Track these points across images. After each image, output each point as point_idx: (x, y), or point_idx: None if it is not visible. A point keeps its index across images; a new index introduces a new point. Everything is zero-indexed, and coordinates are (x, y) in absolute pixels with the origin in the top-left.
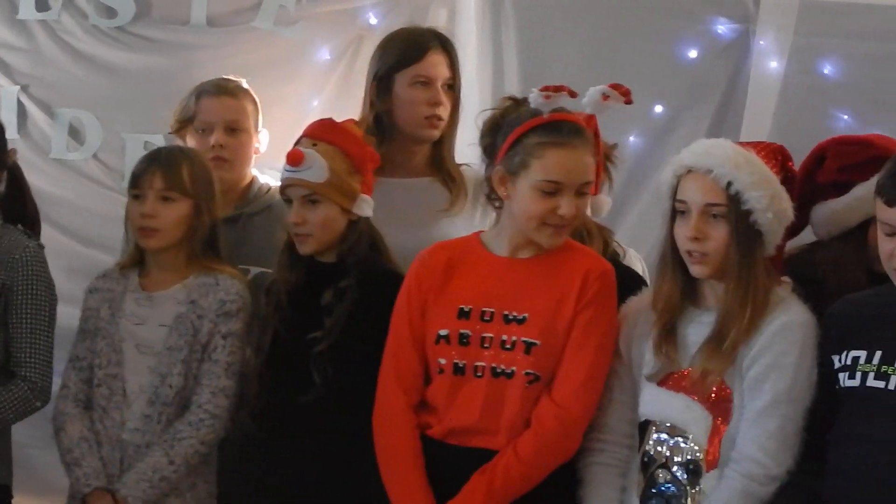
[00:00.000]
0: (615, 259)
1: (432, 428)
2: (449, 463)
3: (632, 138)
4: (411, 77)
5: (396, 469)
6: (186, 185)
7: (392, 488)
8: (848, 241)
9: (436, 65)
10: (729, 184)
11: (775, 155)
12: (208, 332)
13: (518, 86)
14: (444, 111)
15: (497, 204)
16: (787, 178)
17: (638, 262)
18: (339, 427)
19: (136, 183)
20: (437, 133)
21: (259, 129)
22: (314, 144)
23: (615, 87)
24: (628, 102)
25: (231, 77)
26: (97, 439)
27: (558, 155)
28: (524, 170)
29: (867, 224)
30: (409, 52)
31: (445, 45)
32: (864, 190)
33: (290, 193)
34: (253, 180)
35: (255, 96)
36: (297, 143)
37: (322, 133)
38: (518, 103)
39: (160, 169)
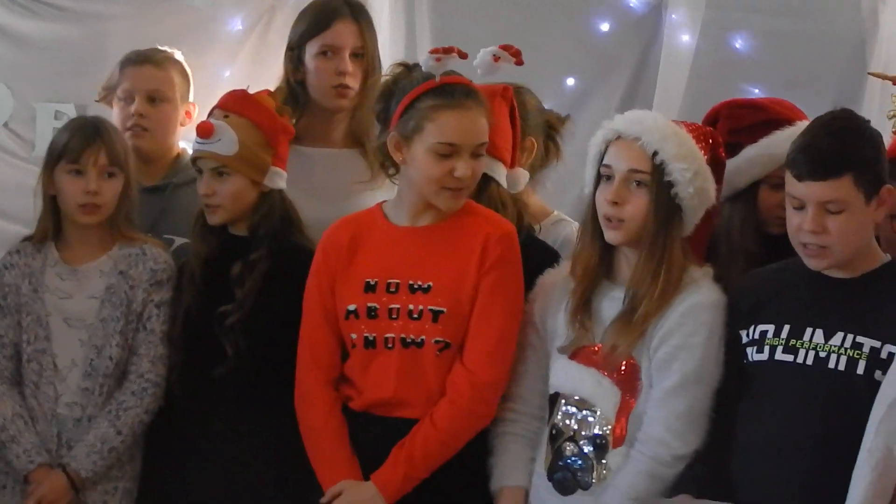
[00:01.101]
0: (531, 233)
1: (354, 401)
2: (374, 434)
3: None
4: (319, 46)
5: (320, 445)
6: (123, 160)
7: (318, 465)
8: (737, 203)
9: (343, 33)
10: (655, 153)
11: (706, 138)
12: (142, 301)
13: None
14: (352, 80)
15: (392, 171)
16: (716, 162)
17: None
18: (252, 399)
19: (76, 158)
20: (345, 102)
21: (188, 101)
22: (226, 116)
23: (506, 48)
24: (518, 63)
25: (163, 48)
26: (31, 415)
27: (452, 117)
28: (418, 133)
29: (757, 186)
30: (317, 21)
31: (356, 14)
32: (753, 152)
33: (201, 165)
34: (182, 152)
35: (185, 67)
36: (210, 114)
37: (234, 105)
38: (410, 69)
39: (104, 145)
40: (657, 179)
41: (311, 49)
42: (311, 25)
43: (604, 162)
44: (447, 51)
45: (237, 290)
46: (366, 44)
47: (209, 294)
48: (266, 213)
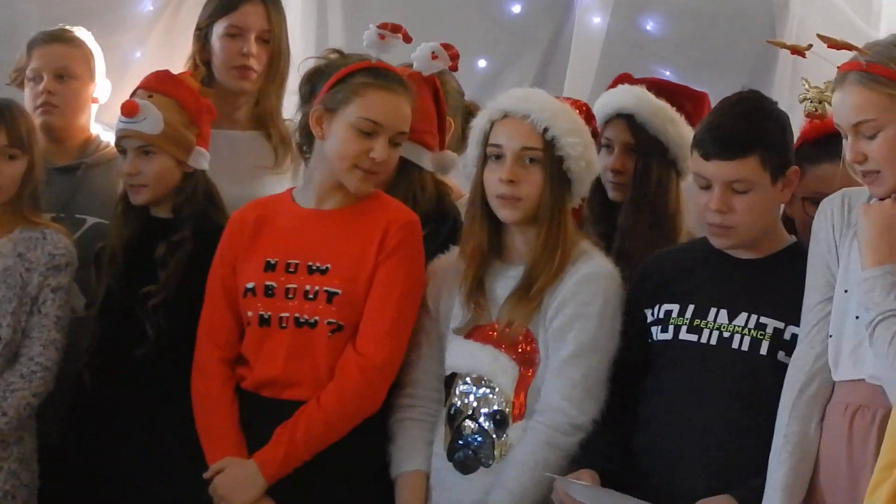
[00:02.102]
0: (457, 217)
1: (245, 380)
2: (263, 415)
3: None
4: (225, 27)
5: (208, 419)
6: (25, 142)
7: (205, 439)
8: None
9: (249, 15)
10: (546, 129)
11: (581, 111)
12: (38, 284)
13: (342, 39)
14: (255, 63)
15: (308, 155)
16: (594, 135)
17: None
18: (172, 380)
19: None
20: (247, 84)
21: (98, 78)
22: (150, 96)
23: (446, 47)
24: (454, 69)
25: (68, 27)
26: None
27: (381, 96)
28: (344, 106)
29: None
30: (225, 1)
31: None
32: None
33: (125, 144)
34: (95, 137)
35: (93, 45)
36: (133, 94)
37: (158, 85)
38: (345, 56)
39: (4, 126)
40: (550, 155)
41: (217, 29)
42: (219, 6)
43: (491, 141)
44: (394, 29)
45: (161, 271)
46: (273, 28)
47: (131, 276)
48: (190, 193)
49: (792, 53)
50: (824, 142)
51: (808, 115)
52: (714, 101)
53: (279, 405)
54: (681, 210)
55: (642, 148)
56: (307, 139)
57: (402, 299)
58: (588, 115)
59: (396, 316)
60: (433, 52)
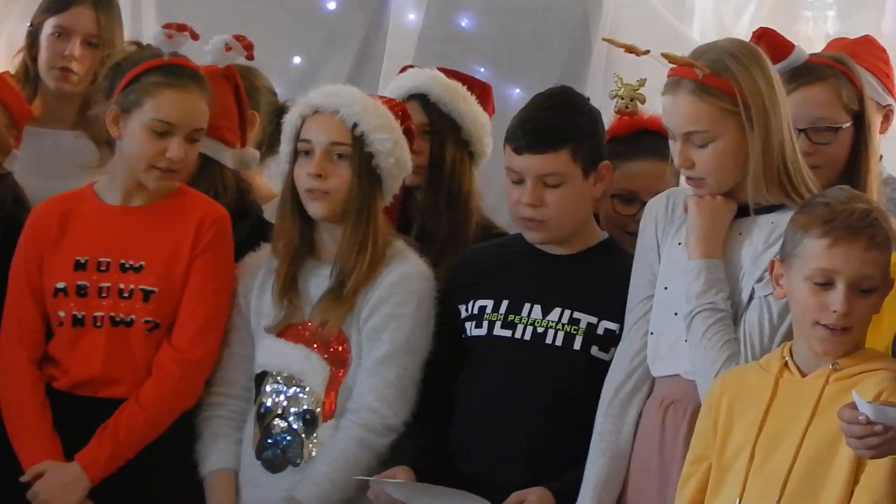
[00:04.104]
0: (259, 214)
1: (58, 380)
2: (79, 414)
3: None
4: (53, 26)
5: (21, 422)
6: None
7: (18, 443)
8: None
9: (78, 17)
10: (355, 125)
11: (396, 109)
12: None
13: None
14: (77, 65)
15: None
16: (407, 133)
17: None
18: None
19: None
20: (67, 86)
21: None
22: None
23: (239, 38)
24: (249, 58)
25: None
26: None
27: (173, 96)
28: (137, 108)
29: None
30: (56, 1)
31: (97, 2)
32: None
33: None
34: None
35: None
36: None
37: None
38: (142, 48)
39: None
40: (358, 150)
41: (46, 28)
42: (51, 5)
43: (301, 137)
44: (180, 28)
45: None
46: (102, 33)
47: None
48: (2, 196)
49: (626, 52)
50: (633, 139)
51: (618, 112)
52: (529, 97)
53: (96, 404)
54: (474, 191)
55: (436, 127)
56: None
57: (217, 294)
58: (404, 115)
59: (212, 311)
60: (226, 44)
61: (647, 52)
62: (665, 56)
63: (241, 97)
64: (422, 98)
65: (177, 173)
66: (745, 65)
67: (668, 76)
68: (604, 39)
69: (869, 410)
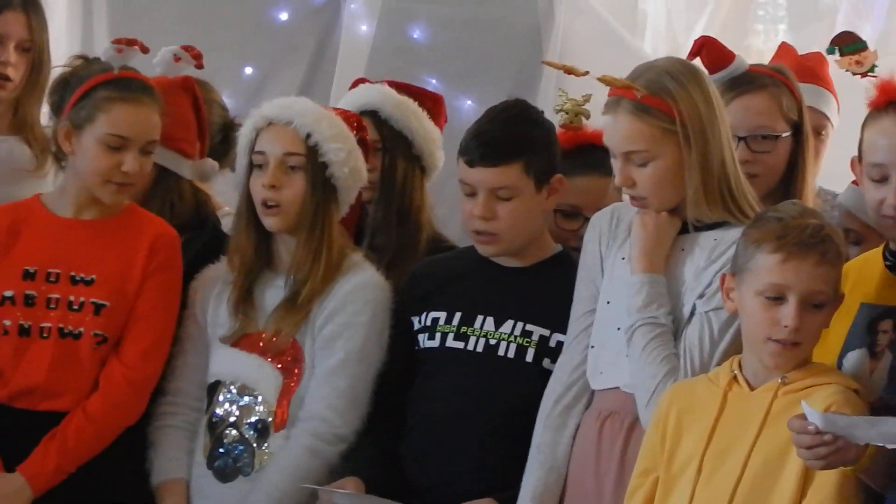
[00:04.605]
0: (217, 224)
1: None
2: (16, 427)
3: (223, 99)
4: None
5: None
6: None
7: None
8: None
9: (10, 23)
10: (309, 135)
11: (351, 121)
12: None
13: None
14: (12, 71)
15: (63, 163)
16: (362, 143)
17: None
18: None
19: None
20: (3, 93)
21: None
22: None
23: (187, 48)
24: (199, 67)
25: None
26: None
27: (125, 110)
28: (90, 123)
29: None
30: None
31: (27, 6)
32: None
33: None
34: None
35: None
36: None
37: None
38: (89, 61)
39: None
40: (312, 161)
41: None
42: None
43: (256, 149)
44: (130, 42)
45: None
46: (34, 37)
47: None
48: None
49: (566, 73)
50: (577, 154)
51: (563, 127)
52: (481, 109)
53: (35, 417)
54: (425, 205)
55: (388, 144)
56: (61, 150)
57: (166, 312)
58: (359, 126)
59: (161, 329)
60: (175, 55)
61: (587, 73)
62: (603, 80)
63: (200, 108)
64: (373, 114)
65: (132, 186)
66: (684, 84)
67: (609, 96)
68: (543, 62)
69: (818, 420)
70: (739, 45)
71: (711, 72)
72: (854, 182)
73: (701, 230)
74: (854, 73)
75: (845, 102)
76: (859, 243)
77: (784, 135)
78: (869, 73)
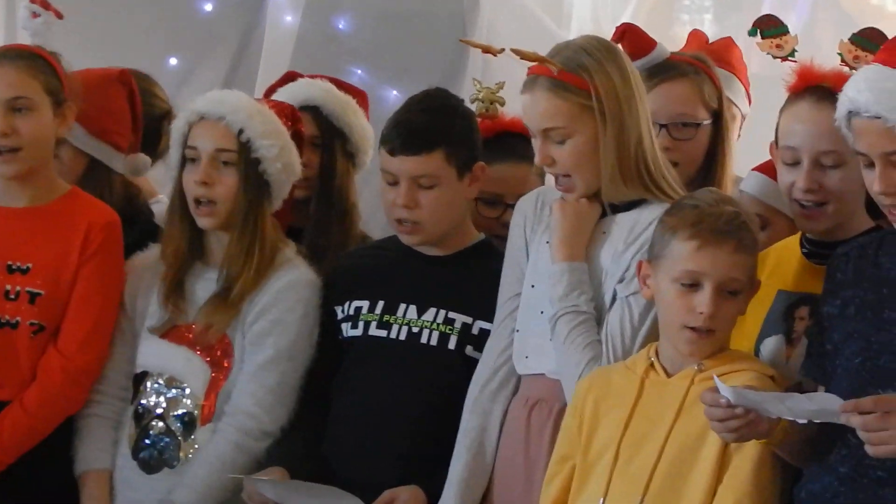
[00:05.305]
0: (150, 217)
1: None
2: None
3: None
4: None
5: None
6: None
7: None
8: None
9: None
10: (241, 131)
11: (286, 113)
12: None
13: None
14: None
15: None
16: (297, 136)
17: None
18: None
19: None
20: None
21: None
22: None
23: (44, 4)
24: (59, 17)
25: None
26: None
27: None
28: None
29: None
30: None
31: None
32: None
33: None
34: None
35: None
36: None
37: None
38: None
39: None
40: (244, 157)
41: None
42: None
43: (188, 144)
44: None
45: None
46: None
47: None
48: None
49: (483, 52)
50: (495, 142)
51: (479, 116)
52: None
53: None
54: (356, 202)
55: (327, 140)
56: None
57: (105, 301)
58: (293, 118)
59: (99, 316)
60: (32, 12)
61: (502, 50)
62: (517, 52)
63: (136, 102)
64: (314, 110)
65: (18, 152)
66: (600, 61)
67: (527, 74)
68: (461, 41)
69: (730, 394)
70: (665, 36)
71: (633, 58)
72: (755, 168)
73: (621, 211)
74: (774, 57)
75: (766, 94)
76: (765, 228)
77: (705, 122)
78: (789, 58)
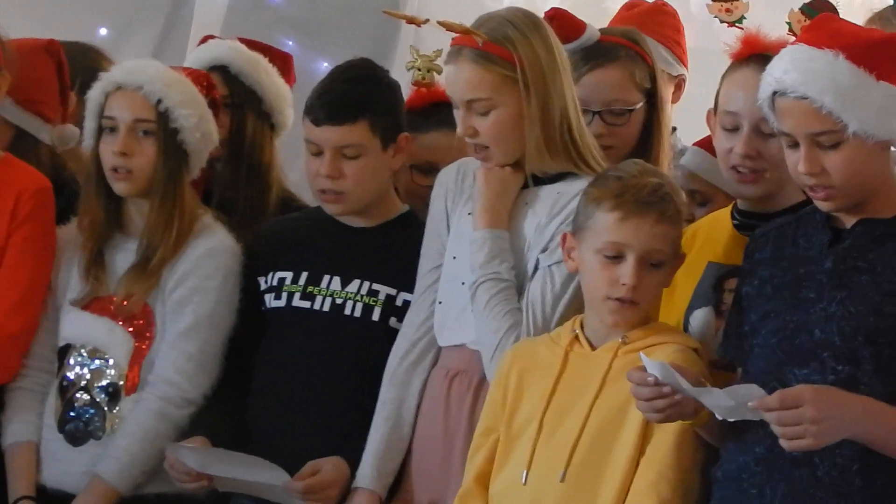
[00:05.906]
0: (76, 189)
1: None
2: None
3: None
4: None
5: None
6: None
7: None
8: None
9: None
10: (159, 101)
11: (201, 80)
12: None
13: None
14: None
15: None
16: (213, 104)
17: None
18: None
19: None
20: None
21: None
22: None
23: None
24: None
25: None
26: None
27: None
28: None
29: None
30: None
31: None
32: None
33: None
34: None
35: None
36: None
37: None
38: None
39: None
40: (163, 127)
41: None
42: None
43: (105, 114)
44: None
45: None
46: None
47: None
48: None
49: (408, 23)
50: (431, 110)
51: (415, 84)
52: None
53: None
54: (275, 163)
55: (237, 100)
56: None
57: (36, 268)
58: (209, 86)
59: (31, 283)
60: None
61: (427, 21)
62: (443, 24)
63: (64, 72)
64: (223, 70)
65: None
66: (525, 33)
67: (451, 45)
68: (384, 12)
69: (656, 369)
70: (598, 9)
71: (563, 43)
72: (695, 143)
73: (544, 183)
74: (721, 21)
75: (706, 68)
76: (705, 204)
77: (638, 106)
78: (736, 24)
